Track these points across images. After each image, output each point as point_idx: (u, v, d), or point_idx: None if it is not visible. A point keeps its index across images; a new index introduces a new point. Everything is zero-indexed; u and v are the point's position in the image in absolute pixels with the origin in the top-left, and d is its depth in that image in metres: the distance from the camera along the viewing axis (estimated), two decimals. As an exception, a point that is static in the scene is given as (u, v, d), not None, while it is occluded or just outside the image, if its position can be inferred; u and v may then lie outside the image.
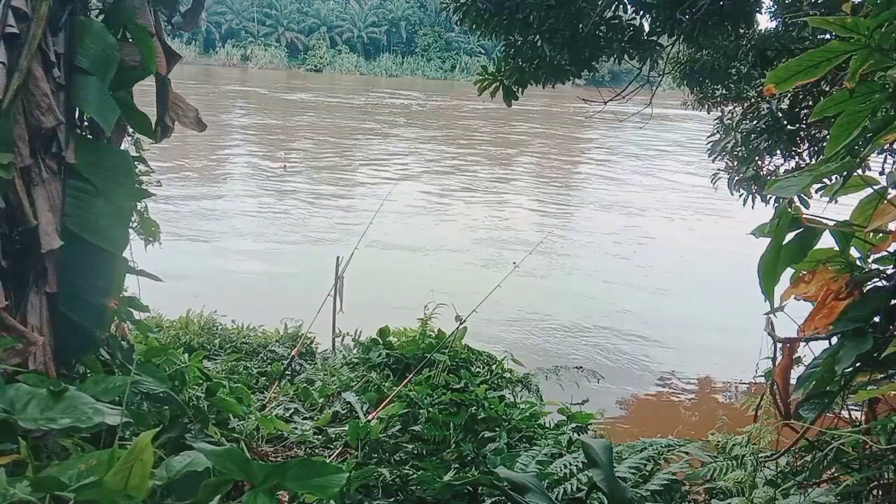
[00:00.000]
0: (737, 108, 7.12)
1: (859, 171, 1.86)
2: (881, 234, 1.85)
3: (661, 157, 33.14)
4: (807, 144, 6.36)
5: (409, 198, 20.89)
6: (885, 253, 1.87)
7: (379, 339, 6.28)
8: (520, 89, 6.66)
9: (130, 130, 3.09)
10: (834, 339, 1.83)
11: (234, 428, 3.73)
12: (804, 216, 1.76)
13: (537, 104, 48.39)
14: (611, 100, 6.56)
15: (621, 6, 6.13)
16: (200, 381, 3.75)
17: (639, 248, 17.30)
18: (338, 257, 7.35)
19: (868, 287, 1.83)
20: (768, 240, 1.78)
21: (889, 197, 1.76)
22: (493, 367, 5.95)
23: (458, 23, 6.52)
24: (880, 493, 2.10)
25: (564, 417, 4.61)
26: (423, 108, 49.36)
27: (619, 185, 26.17)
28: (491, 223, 19.13)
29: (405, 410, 4.43)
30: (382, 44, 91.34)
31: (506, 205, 21.63)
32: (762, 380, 2.50)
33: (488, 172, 27.31)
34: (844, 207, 2.00)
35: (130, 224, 3.25)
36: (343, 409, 4.85)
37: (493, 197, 22.74)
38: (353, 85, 68.50)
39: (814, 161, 5.97)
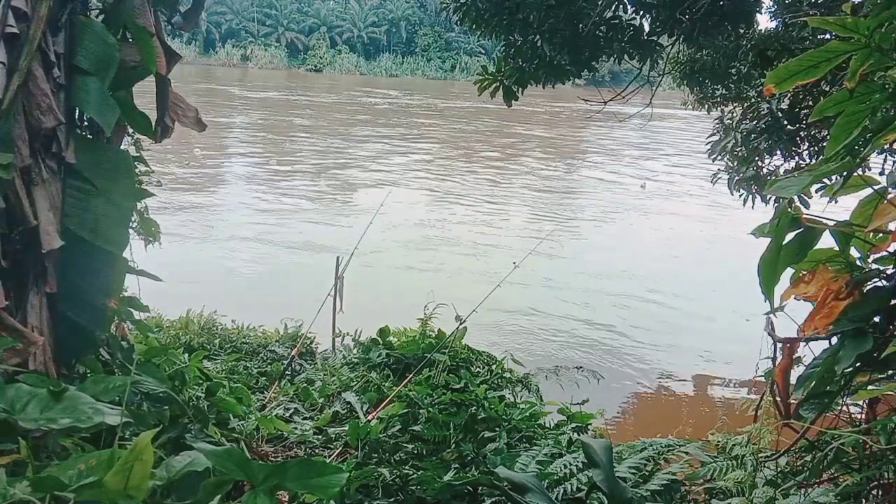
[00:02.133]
0: (737, 108, 7.11)
1: (859, 171, 1.86)
2: (881, 234, 1.85)
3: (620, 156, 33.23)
4: (807, 144, 6.35)
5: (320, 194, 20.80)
6: (885, 253, 1.87)
7: (379, 339, 6.28)
8: (520, 89, 6.66)
9: (130, 130, 3.09)
10: (834, 339, 1.82)
11: (234, 428, 3.73)
12: (804, 216, 1.76)
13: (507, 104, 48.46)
14: (611, 100, 6.56)
15: (621, 6, 6.12)
16: (200, 381, 3.75)
17: (631, 248, 17.33)
18: (338, 257, 7.35)
19: (868, 287, 1.83)
20: (768, 240, 1.78)
21: (889, 197, 1.76)
22: (493, 367, 5.95)
23: (458, 23, 6.51)
24: (880, 493, 2.10)
25: (564, 417, 4.61)
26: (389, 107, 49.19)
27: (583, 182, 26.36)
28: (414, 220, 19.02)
29: (405, 410, 4.43)
30: (382, 44, 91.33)
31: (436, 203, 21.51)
32: (762, 380, 2.50)
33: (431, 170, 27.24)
34: (844, 207, 2.00)
35: (130, 224, 3.25)
36: (343, 409, 4.85)
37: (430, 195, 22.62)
38: (334, 84, 68.19)
39: (814, 161, 5.96)
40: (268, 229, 17.15)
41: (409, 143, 33.29)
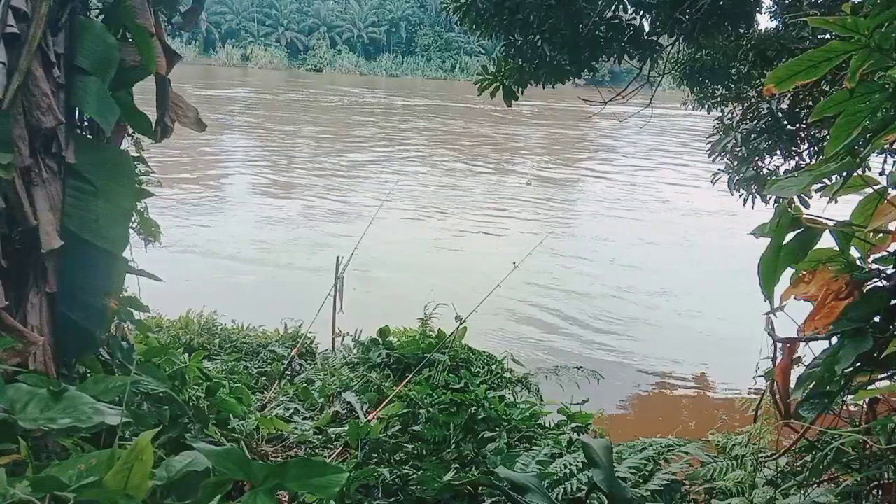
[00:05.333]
0: (737, 108, 7.11)
1: (859, 171, 1.86)
2: (881, 234, 1.85)
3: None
4: (807, 144, 6.36)
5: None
6: (885, 253, 1.87)
7: (379, 339, 6.28)
8: (520, 89, 6.66)
9: (130, 130, 3.10)
10: (834, 339, 1.82)
11: (234, 428, 3.73)
12: (804, 216, 1.76)
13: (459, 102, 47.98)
14: (611, 100, 6.55)
15: (621, 6, 6.13)
16: (200, 381, 3.76)
17: (630, 246, 17.31)
18: (338, 257, 7.34)
19: (868, 287, 1.83)
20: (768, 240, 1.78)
21: (889, 197, 1.76)
22: (493, 367, 5.95)
23: (458, 23, 6.52)
24: (880, 493, 2.10)
25: (564, 417, 4.62)
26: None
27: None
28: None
29: (405, 410, 4.44)
30: (382, 44, 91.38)
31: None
32: (762, 380, 2.51)
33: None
34: (844, 207, 2.00)
35: (130, 224, 3.25)
36: (343, 409, 4.86)
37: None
38: (310, 83, 67.26)
39: (814, 161, 5.96)
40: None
41: (307, 141, 32.51)
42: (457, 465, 3.78)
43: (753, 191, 6.64)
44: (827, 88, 5.19)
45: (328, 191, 22.17)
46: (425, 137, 35.65)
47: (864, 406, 2.06)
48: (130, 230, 3.18)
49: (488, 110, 45.14)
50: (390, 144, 32.66)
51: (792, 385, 1.96)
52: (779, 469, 3.14)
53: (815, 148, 6.26)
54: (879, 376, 1.92)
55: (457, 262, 15.01)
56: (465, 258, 15.41)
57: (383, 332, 6.38)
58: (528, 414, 4.61)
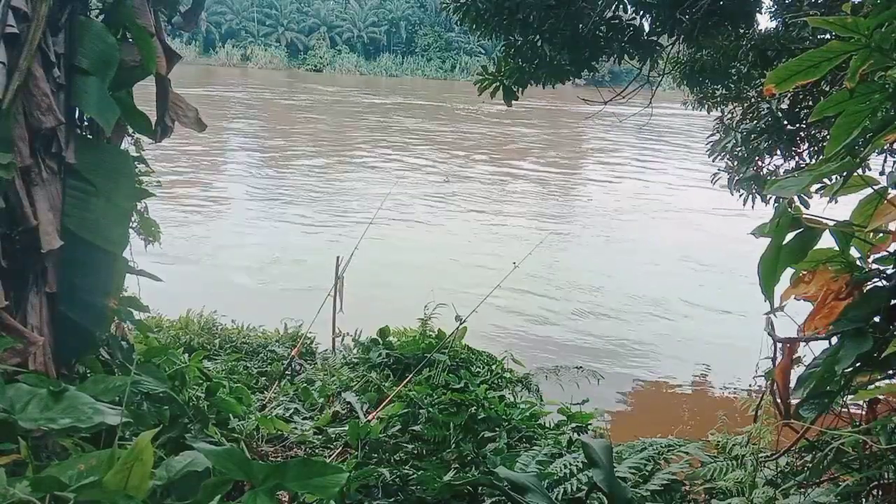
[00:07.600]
0: (737, 108, 7.11)
1: (859, 171, 1.86)
2: (881, 234, 1.85)
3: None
4: (807, 144, 6.35)
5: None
6: (885, 253, 1.87)
7: (379, 339, 6.28)
8: (520, 89, 6.66)
9: (130, 130, 3.10)
10: (834, 339, 1.82)
11: (234, 428, 3.73)
12: (804, 216, 1.76)
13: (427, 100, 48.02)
14: (611, 100, 6.55)
15: (621, 6, 6.12)
16: (200, 381, 3.76)
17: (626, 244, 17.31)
18: (338, 257, 7.34)
19: (868, 287, 1.83)
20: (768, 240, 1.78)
21: (889, 197, 1.76)
22: (493, 367, 5.96)
23: (458, 23, 6.51)
24: (880, 493, 2.10)
25: (564, 417, 4.62)
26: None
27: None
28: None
29: (405, 410, 4.44)
30: (382, 44, 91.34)
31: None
32: (762, 380, 2.51)
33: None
34: (844, 207, 2.00)
35: (130, 224, 3.25)
36: (343, 409, 4.86)
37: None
38: (296, 81, 66.40)
39: (814, 161, 5.96)
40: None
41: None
42: (457, 465, 3.78)
43: (753, 191, 6.64)
44: (827, 88, 5.19)
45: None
46: (374, 136, 34.92)
47: (864, 406, 2.06)
48: (130, 230, 3.18)
49: (453, 108, 45.19)
50: (328, 142, 32.11)
51: (792, 385, 1.96)
52: (779, 469, 3.14)
53: (815, 148, 6.26)
54: (879, 376, 1.92)
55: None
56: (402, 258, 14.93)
57: (383, 332, 6.38)
58: (528, 414, 4.61)
